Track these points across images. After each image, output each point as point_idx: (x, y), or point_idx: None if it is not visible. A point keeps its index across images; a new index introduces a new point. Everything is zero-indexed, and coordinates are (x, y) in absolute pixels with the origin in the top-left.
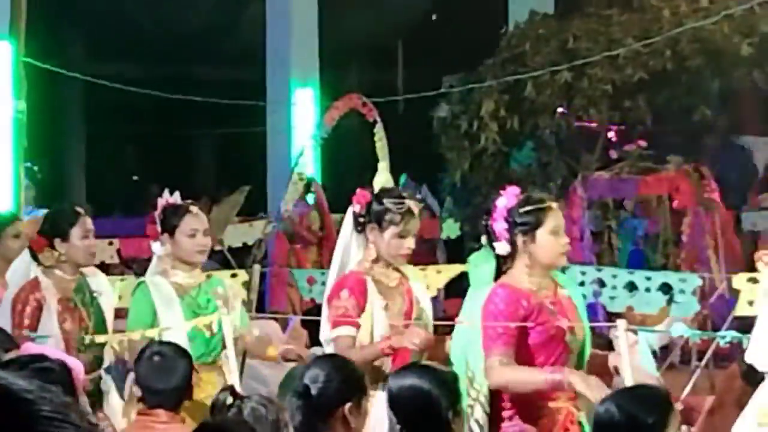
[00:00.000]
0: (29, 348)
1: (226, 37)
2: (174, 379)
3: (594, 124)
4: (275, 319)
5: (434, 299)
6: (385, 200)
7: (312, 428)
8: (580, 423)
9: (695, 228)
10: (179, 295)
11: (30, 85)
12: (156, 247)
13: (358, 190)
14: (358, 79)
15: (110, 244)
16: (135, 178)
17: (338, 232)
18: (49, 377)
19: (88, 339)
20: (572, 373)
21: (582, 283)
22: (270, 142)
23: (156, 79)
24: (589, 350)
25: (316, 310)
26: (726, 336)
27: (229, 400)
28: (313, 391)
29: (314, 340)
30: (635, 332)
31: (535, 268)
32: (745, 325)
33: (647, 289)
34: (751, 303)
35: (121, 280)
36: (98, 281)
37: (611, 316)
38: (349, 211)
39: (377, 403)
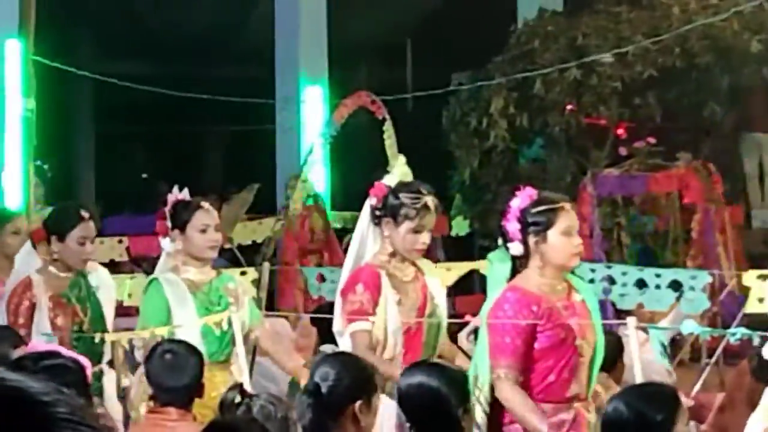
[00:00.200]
0: (36, 345)
1: (235, 35)
2: (185, 377)
3: (603, 121)
4: (285, 317)
5: None
6: (401, 195)
7: (322, 426)
8: (589, 425)
9: (705, 225)
10: (192, 292)
11: (39, 84)
12: (165, 243)
13: (375, 183)
14: (367, 77)
15: (120, 242)
16: (144, 176)
17: (341, 236)
18: (63, 374)
19: (97, 337)
20: None
21: (592, 281)
22: (279, 140)
23: (165, 77)
24: (601, 357)
25: (327, 308)
26: (736, 333)
27: (238, 398)
28: (324, 389)
29: (324, 338)
30: (645, 330)
31: (547, 269)
32: (755, 321)
33: (657, 287)
34: (761, 300)
35: (130, 278)
36: (98, 276)
37: (621, 314)
38: (367, 203)
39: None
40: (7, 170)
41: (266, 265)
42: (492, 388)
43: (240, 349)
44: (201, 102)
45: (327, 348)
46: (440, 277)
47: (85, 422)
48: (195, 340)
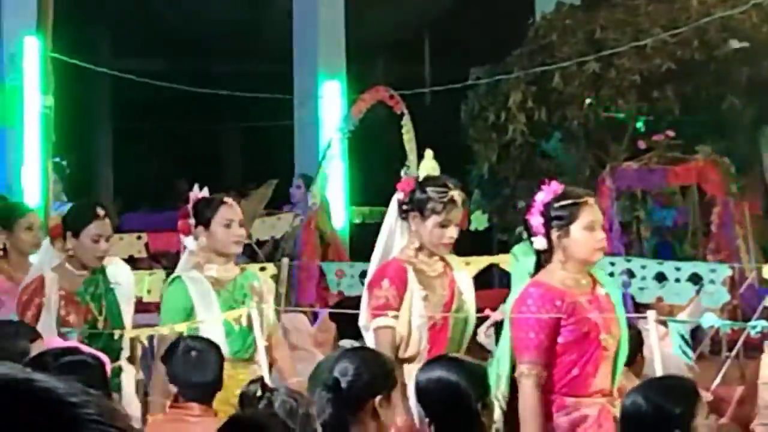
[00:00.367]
0: (54, 341)
1: (252, 31)
2: (210, 373)
3: (622, 115)
4: (304, 312)
5: None
6: (428, 189)
7: (342, 421)
8: (615, 419)
9: (724, 218)
10: (215, 290)
11: (57, 81)
12: (189, 241)
13: (403, 177)
14: (385, 72)
15: (138, 238)
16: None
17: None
18: (83, 371)
19: (117, 333)
20: None
21: (611, 274)
22: (297, 136)
23: (183, 73)
24: (626, 351)
25: (346, 303)
26: (756, 326)
27: (259, 392)
28: (343, 385)
29: (343, 334)
30: (665, 324)
31: (570, 263)
32: None
33: (677, 280)
34: None
35: (149, 274)
36: (117, 271)
37: (640, 308)
38: (394, 198)
39: None
40: (26, 167)
41: (285, 260)
42: (511, 384)
43: (260, 343)
44: (219, 98)
45: (346, 343)
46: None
47: (114, 424)
48: (219, 337)
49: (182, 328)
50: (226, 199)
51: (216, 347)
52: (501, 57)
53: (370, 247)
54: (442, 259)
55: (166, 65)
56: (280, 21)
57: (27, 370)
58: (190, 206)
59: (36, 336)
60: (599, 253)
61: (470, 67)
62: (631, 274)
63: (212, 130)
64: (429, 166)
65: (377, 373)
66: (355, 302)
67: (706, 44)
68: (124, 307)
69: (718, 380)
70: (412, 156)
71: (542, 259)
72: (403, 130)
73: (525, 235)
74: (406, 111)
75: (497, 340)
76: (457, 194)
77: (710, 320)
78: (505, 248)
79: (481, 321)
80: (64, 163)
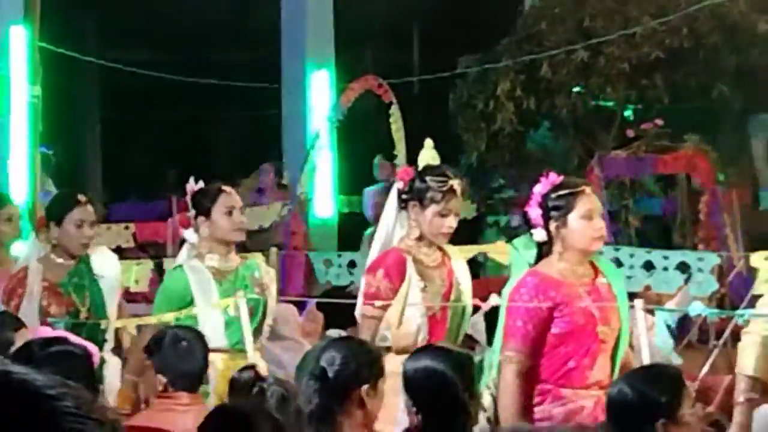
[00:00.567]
0: (42, 331)
1: (240, 20)
2: (198, 362)
3: (610, 103)
4: (293, 302)
5: None
6: (427, 178)
7: (328, 411)
8: None
9: (712, 206)
10: (216, 280)
11: (45, 70)
12: (189, 234)
13: (402, 167)
14: (374, 61)
15: (126, 228)
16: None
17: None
18: (69, 361)
19: (103, 323)
20: None
21: None
22: (285, 125)
23: (171, 62)
24: (625, 344)
25: (341, 293)
26: (744, 314)
27: (250, 378)
28: (330, 374)
29: (330, 323)
30: (652, 312)
31: (568, 253)
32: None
33: (665, 269)
34: None
35: (137, 264)
36: (103, 260)
37: (628, 296)
38: (394, 187)
39: None
40: (13, 157)
41: (273, 249)
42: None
43: (247, 334)
44: (207, 87)
45: (333, 333)
46: None
47: (91, 416)
48: (218, 328)
49: (169, 318)
50: (224, 187)
51: (201, 337)
52: (490, 46)
53: (358, 237)
54: (440, 248)
55: (153, 55)
56: (268, 10)
57: (5, 362)
58: (188, 199)
59: (20, 325)
60: (598, 242)
61: (459, 56)
62: (619, 262)
63: (200, 120)
64: (428, 156)
65: (364, 363)
66: (342, 292)
67: (695, 32)
68: (109, 298)
69: (705, 369)
70: (400, 145)
71: (543, 251)
72: (392, 119)
73: (512, 222)
74: (394, 100)
75: (487, 330)
76: (456, 183)
77: (698, 309)
78: (493, 237)
79: (476, 311)
80: (51, 152)
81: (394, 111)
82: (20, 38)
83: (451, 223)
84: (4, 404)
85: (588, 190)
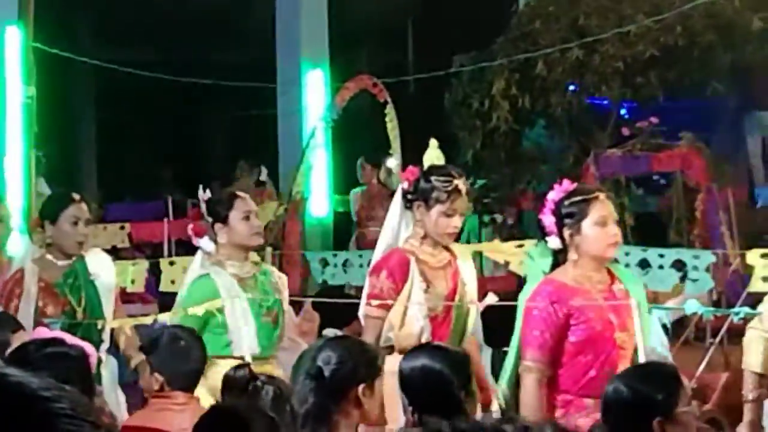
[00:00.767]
0: (41, 332)
1: (235, 20)
2: (196, 362)
3: (606, 101)
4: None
5: None
6: (432, 178)
7: (325, 410)
8: None
9: (708, 204)
10: (240, 287)
11: (39, 71)
12: (204, 242)
13: (408, 167)
14: (369, 60)
15: (122, 228)
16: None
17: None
18: (65, 362)
19: (100, 323)
20: None
21: None
22: (281, 124)
23: (166, 62)
24: (647, 342)
25: (337, 292)
26: (740, 312)
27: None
28: (326, 373)
29: (326, 323)
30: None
31: (583, 260)
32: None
33: (660, 267)
34: (765, 279)
35: (132, 264)
36: (98, 262)
37: None
38: (399, 187)
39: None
40: (8, 157)
41: (268, 249)
42: (512, 382)
43: (244, 334)
44: (202, 87)
45: (329, 332)
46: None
47: (86, 418)
48: (251, 338)
49: (166, 317)
50: (238, 192)
51: (198, 337)
52: (485, 44)
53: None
54: (447, 248)
55: (148, 55)
56: (263, 10)
57: (1, 364)
58: (203, 207)
59: (17, 327)
60: (613, 248)
61: (454, 54)
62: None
63: (195, 120)
64: (433, 156)
65: (360, 362)
66: (338, 292)
67: (690, 30)
68: (104, 299)
69: (702, 367)
70: (395, 144)
71: (558, 259)
72: (387, 119)
73: (508, 221)
74: (389, 99)
75: (484, 329)
76: (461, 183)
77: (694, 307)
78: (489, 237)
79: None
80: (41, 153)
81: (389, 110)
82: (15, 38)
83: (457, 222)
84: (0, 406)
85: (602, 196)
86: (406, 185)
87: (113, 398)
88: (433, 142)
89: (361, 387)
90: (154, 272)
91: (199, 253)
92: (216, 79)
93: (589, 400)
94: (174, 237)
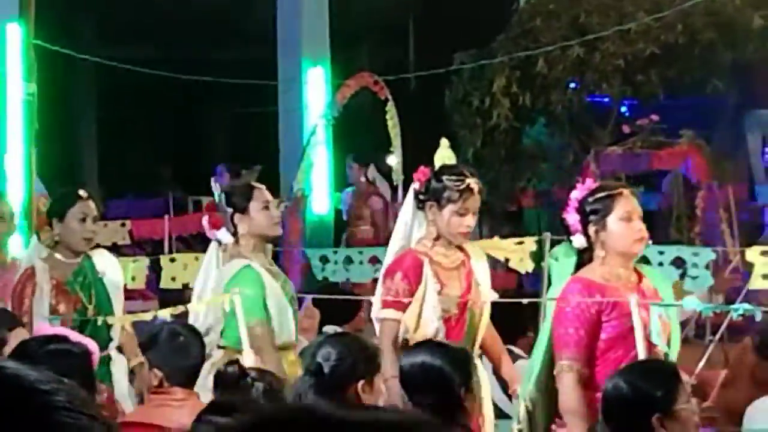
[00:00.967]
0: (43, 329)
1: (236, 17)
2: (195, 357)
3: (606, 99)
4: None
5: None
6: (444, 177)
7: None
8: None
9: (708, 202)
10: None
11: (40, 68)
12: (222, 234)
13: (419, 167)
14: (370, 57)
15: (122, 225)
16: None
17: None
18: (66, 359)
19: (100, 320)
20: None
21: None
22: (281, 122)
23: (166, 60)
24: (676, 347)
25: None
26: (739, 309)
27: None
28: (326, 370)
29: (326, 320)
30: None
31: (610, 257)
32: (758, 299)
33: (660, 264)
34: (765, 276)
35: (133, 261)
36: (104, 260)
37: None
38: (411, 188)
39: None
40: (9, 155)
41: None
42: (540, 384)
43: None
44: (203, 84)
45: (329, 329)
46: None
47: (84, 411)
48: (290, 327)
49: (165, 313)
50: (255, 183)
51: (197, 332)
52: (485, 42)
53: None
54: (460, 248)
55: (150, 52)
56: (264, 7)
57: None
58: (221, 198)
59: (15, 324)
60: (639, 243)
61: (454, 52)
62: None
63: (196, 117)
64: (444, 155)
65: (360, 358)
66: (339, 288)
67: (690, 28)
68: (113, 296)
69: (701, 364)
70: (396, 142)
71: (583, 258)
72: (388, 116)
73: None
74: (390, 97)
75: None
76: (473, 182)
77: (693, 304)
78: (490, 235)
79: None
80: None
81: (390, 108)
82: (15, 36)
83: (470, 222)
84: None
85: (626, 192)
86: (417, 186)
87: (124, 396)
88: (444, 142)
89: (360, 383)
90: (155, 269)
91: (212, 247)
92: (217, 77)
93: None
94: (175, 234)
